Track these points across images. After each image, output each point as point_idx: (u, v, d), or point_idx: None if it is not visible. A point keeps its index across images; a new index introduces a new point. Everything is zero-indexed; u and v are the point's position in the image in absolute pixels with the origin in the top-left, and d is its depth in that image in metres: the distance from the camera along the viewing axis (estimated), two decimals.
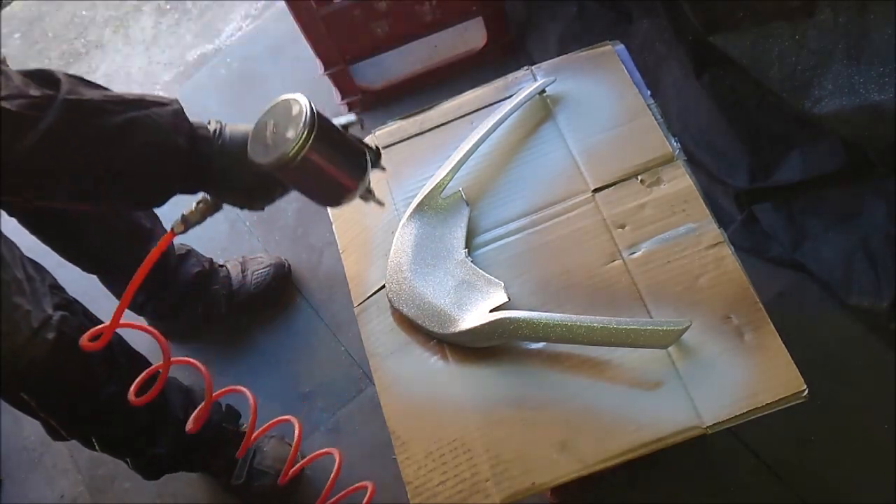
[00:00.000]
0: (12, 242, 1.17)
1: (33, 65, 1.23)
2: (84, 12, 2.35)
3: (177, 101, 0.87)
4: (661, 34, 1.50)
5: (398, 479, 0.90)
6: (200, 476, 1.56)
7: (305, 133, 0.79)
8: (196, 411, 1.18)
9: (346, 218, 1.11)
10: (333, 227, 1.12)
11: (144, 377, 1.09)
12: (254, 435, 1.19)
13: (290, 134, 0.79)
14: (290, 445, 1.52)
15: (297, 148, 0.79)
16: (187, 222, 0.90)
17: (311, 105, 0.81)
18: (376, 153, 0.94)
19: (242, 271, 1.69)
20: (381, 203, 0.96)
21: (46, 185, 0.81)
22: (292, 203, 1.85)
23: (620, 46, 1.13)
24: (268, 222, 1.85)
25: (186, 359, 1.16)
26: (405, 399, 0.94)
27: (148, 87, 2.15)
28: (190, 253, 1.65)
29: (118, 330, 1.34)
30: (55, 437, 1.30)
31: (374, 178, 0.91)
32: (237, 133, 0.88)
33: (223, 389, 1.26)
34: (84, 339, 0.94)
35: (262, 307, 1.72)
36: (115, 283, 1.61)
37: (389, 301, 1.00)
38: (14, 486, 1.70)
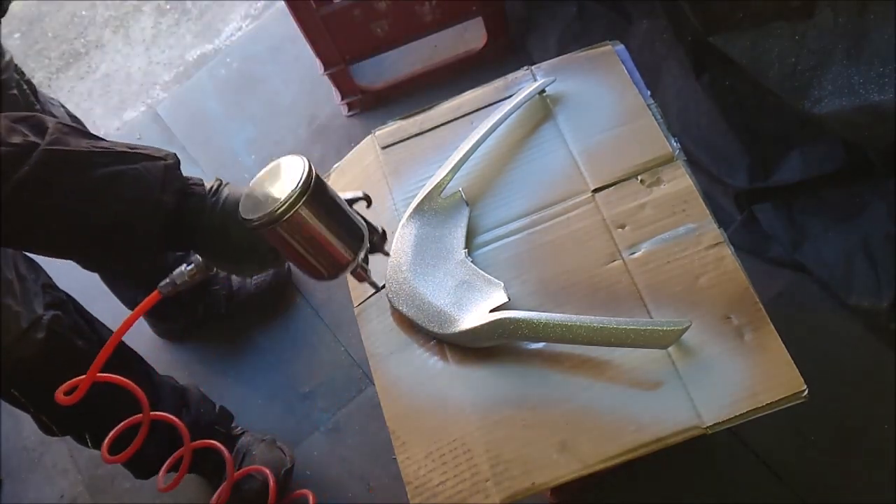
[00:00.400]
0: None
1: (33, 65, 1.23)
2: (84, 12, 2.35)
3: (172, 155, 0.84)
4: (661, 34, 1.50)
5: (398, 479, 0.90)
6: (198, 477, 1.56)
7: (298, 192, 0.76)
8: (166, 465, 1.17)
9: None
10: None
11: (122, 428, 1.07)
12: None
13: (283, 192, 0.76)
14: (281, 449, 1.52)
15: (286, 206, 0.75)
16: (175, 285, 0.87)
17: (309, 167, 0.78)
18: (381, 236, 0.91)
19: None
20: (375, 286, 0.91)
21: (17, 235, 0.78)
22: None
23: (620, 46, 1.13)
24: None
25: (166, 415, 1.16)
26: (405, 399, 0.94)
27: (148, 87, 2.15)
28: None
29: (111, 327, 1.34)
30: (48, 432, 1.30)
31: (378, 211, 0.87)
32: (235, 194, 0.83)
33: (199, 442, 1.28)
34: (59, 393, 0.90)
35: (261, 307, 1.72)
36: (116, 282, 1.61)
37: (389, 301, 1.00)
38: (14, 486, 1.70)
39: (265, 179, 0.80)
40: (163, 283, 0.87)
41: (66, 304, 1.23)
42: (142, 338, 1.74)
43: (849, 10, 1.10)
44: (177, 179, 0.82)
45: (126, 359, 1.35)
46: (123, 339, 1.34)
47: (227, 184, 0.86)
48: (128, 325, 0.87)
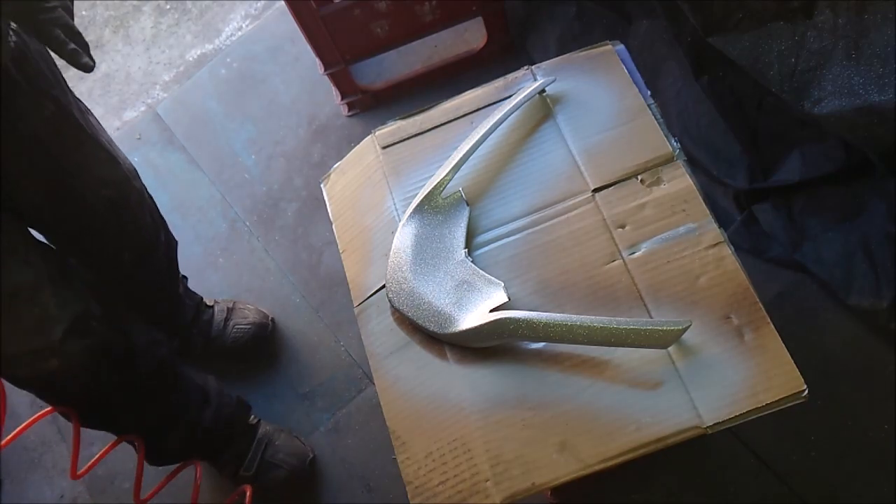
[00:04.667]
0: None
1: None
2: (84, 12, 2.35)
3: None
4: (661, 35, 1.51)
5: (398, 479, 0.90)
6: (203, 473, 1.55)
7: None
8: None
9: (346, 218, 1.11)
10: (333, 227, 1.12)
11: None
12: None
13: None
14: (299, 440, 1.54)
15: None
16: None
17: None
18: None
19: (226, 320, 1.65)
20: None
21: None
22: (292, 203, 1.85)
23: (620, 46, 1.13)
24: (268, 222, 1.85)
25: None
26: (405, 399, 0.94)
27: (148, 87, 2.15)
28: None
29: (124, 330, 1.33)
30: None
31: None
32: None
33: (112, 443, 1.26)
34: None
35: (235, 361, 1.67)
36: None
37: (389, 301, 1.00)
38: (14, 486, 1.70)
39: None
40: None
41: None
42: None
43: (848, 11, 1.10)
44: None
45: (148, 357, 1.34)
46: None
47: None
48: None
